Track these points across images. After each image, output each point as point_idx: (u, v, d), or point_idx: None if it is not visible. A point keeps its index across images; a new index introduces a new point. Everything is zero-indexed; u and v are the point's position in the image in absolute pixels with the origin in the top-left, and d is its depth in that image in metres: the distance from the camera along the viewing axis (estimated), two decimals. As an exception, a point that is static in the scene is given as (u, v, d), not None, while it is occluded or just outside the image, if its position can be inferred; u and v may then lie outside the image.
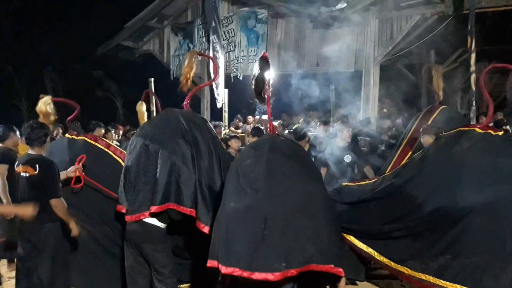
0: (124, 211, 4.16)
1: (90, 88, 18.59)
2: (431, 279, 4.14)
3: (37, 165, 4.13)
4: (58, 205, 4.15)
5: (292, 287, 3.50)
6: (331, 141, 6.72)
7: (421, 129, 5.76)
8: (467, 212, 3.99)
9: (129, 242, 4.22)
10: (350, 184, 5.19)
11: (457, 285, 3.97)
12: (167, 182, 4.00)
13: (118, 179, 4.64)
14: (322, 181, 3.83)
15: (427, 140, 5.41)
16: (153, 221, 4.08)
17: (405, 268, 4.31)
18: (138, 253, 4.19)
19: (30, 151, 4.28)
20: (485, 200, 3.95)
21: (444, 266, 4.08)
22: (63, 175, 4.57)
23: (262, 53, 4.06)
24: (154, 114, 6.13)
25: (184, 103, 4.65)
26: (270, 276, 3.21)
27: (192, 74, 4.66)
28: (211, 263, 3.43)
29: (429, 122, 6.06)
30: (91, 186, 4.81)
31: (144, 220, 4.06)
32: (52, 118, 4.83)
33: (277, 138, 3.88)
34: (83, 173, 4.69)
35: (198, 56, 4.87)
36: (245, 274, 3.22)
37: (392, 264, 4.42)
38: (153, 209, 3.97)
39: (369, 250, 4.59)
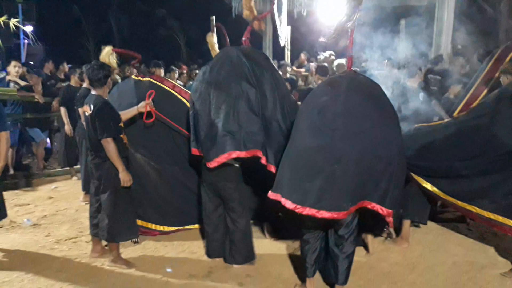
0: (199, 153, 4.15)
1: (154, 27, 18.74)
2: (500, 218, 4.13)
3: (91, 105, 4.22)
4: (107, 145, 4.18)
5: (352, 219, 3.53)
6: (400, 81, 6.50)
7: (500, 68, 5.36)
8: None
9: (205, 182, 4.34)
10: (423, 125, 5.02)
11: None
12: (234, 129, 3.95)
13: (184, 118, 4.77)
14: (398, 124, 3.73)
15: (505, 80, 5.05)
16: (229, 160, 4.10)
17: (473, 206, 4.30)
18: (214, 193, 4.31)
19: (92, 91, 4.36)
20: None
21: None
22: (134, 110, 4.68)
23: None
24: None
25: (243, 38, 4.55)
26: (337, 215, 3.27)
27: (251, 3, 4.52)
28: (274, 195, 3.49)
29: (506, 61, 5.62)
30: (162, 121, 4.89)
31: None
32: (115, 68, 4.90)
33: (355, 75, 3.74)
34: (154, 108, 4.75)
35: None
36: (311, 212, 3.28)
37: (459, 202, 4.40)
38: (235, 154, 3.94)
39: (434, 189, 4.55)
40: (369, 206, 3.42)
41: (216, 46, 5.55)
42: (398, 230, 4.99)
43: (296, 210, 3.32)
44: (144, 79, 5.17)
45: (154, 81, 5.14)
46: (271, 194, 3.51)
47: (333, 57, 9.75)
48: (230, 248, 4.37)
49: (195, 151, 4.16)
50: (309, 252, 3.73)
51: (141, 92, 4.90)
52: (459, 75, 7.82)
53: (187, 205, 5.15)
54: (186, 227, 5.22)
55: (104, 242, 4.60)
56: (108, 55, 4.74)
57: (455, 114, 5.34)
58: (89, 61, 4.60)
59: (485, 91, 5.45)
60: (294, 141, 3.53)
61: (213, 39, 5.56)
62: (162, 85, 5.13)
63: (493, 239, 5.02)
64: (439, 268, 4.43)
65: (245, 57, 4.24)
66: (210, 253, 4.55)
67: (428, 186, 4.57)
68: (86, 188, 6.12)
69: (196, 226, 5.22)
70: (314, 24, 11.18)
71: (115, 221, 4.31)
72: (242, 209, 4.33)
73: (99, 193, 4.37)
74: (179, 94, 5.14)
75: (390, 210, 3.43)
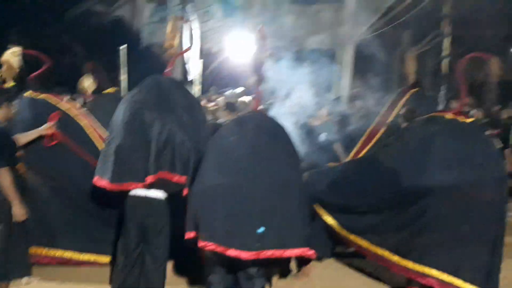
0: (103, 183, 3.99)
1: (57, 54, 18.00)
2: (386, 253, 4.35)
3: None
4: (0, 176, 3.96)
5: (258, 268, 3.54)
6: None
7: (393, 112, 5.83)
8: (427, 193, 4.17)
9: (131, 217, 4.15)
10: (331, 164, 5.36)
11: (409, 262, 4.18)
12: (160, 149, 3.91)
13: (80, 142, 4.70)
14: (299, 166, 3.90)
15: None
16: (154, 193, 4.05)
17: (364, 240, 4.50)
18: (139, 230, 4.13)
19: None
20: (447, 183, 4.13)
21: (400, 243, 4.29)
22: (35, 133, 4.46)
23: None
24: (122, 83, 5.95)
25: (166, 70, 4.54)
26: (243, 254, 3.30)
27: (176, 41, 4.56)
28: (188, 234, 3.56)
29: (400, 105, 6.11)
30: (65, 144, 4.69)
31: (146, 194, 4.03)
32: (16, 71, 4.64)
33: (261, 116, 3.86)
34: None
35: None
36: (219, 249, 3.33)
37: (351, 236, 4.60)
38: (149, 179, 3.89)
39: (333, 222, 4.72)
40: (293, 254, 3.50)
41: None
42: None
43: (206, 248, 3.35)
44: (39, 96, 4.89)
45: (51, 100, 4.91)
46: (186, 234, 3.56)
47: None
48: (146, 285, 4.18)
49: (98, 179, 4.00)
50: None
51: (35, 110, 4.68)
52: (356, 118, 8.33)
53: (100, 233, 4.88)
54: (102, 258, 4.89)
55: (-8, 281, 4.24)
56: (14, 55, 4.49)
57: (351, 154, 5.69)
58: None
59: (380, 133, 5.85)
60: (201, 179, 3.56)
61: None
62: (58, 104, 4.91)
63: (387, 273, 5.28)
64: (338, 302, 4.59)
65: (173, 84, 4.35)
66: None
67: (328, 219, 4.73)
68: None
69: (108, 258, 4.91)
70: (224, 60, 11.46)
71: (6, 257, 4.02)
72: (166, 248, 4.22)
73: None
74: (76, 117, 4.95)
75: (312, 250, 3.54)
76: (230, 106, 6.78)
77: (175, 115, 4.09)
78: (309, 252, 3.50)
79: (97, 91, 6.33)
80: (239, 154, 3.47)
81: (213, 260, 3.60)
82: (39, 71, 4.98)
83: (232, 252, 3.29)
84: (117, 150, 3.97)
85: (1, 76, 4.62)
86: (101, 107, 5.80)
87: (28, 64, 4.88)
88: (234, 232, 3.33)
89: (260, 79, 3.77)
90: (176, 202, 4.22)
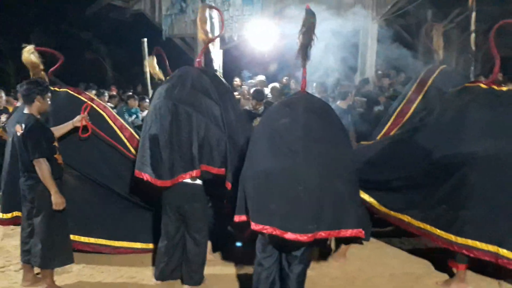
0: (144, 177, 4.07)
1: (79, 50, 18.16)
2: (428, 227, 4.28)
3: (23, 125, 4.03)
4: (39, 166, 3.99)
5: (304, 249, 3.56)
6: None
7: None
8: (464, 164, 4.09)
9: (168, 204, 4.24)
10: (363, 143, 5.39)
11: (451, 235, 4.10)
12: (201, 144, 4.04)
13: (105, 132, 4.75)
14: (351, 144, 3.89)
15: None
16: (192, 179, 4.17)
17: (405, 216, 4.45)
18: (177, 215, 4.23)
19: (25, 110, 4.16)
20: (484, 152, 4.03)
21: (440, 216, 4.21)
22: (68, 125, 4.52)
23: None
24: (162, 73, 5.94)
25: (197, 60, 4.59)
26: (302, 237, 3.29)
27: (207, 28, 4.59)
28: (238, 217, 3.59)
29: (430, 82, 6.00)
30: (97, 135, 4.72)
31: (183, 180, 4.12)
32: (41, 67, 4.66)
33: (310, 97, 3.84)
34: (90, 122, 4.60)
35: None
36: (277, 232, 3.32)
37: (392, 213, 4.56)
38: (194, 173, 4.06)
39: (371, 200, 4.70)
40: (347, 234, 3.45)
41: (157, 68, 5.51)
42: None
43: (264, 231, 3.36)
44: (60, 89, 4.91)
45: (72, 92, 4.93)
46: (236, 217, 3.59)
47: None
48: (189, 269, 4.30)
49: (145, 176, 4.06)
50: (262, 277, 3.68)
51: (56, 102, 4.65)
52: (384, 98, 8.24)
53: (137, 222, 4.93)
54: (136, 244, 4.93)
55: (36, 270, 4.33)
56: (29, 53, 4.54)
57: (381, 133, 5.62)
58: (9, 84, 4.38)
59: (411, 111, 5.77)
60: (253, 163, 3.55)
61: (154, 62, 5.52)
62: (79, 96, 4.93)
63: (425, 251, 5.25)
64: (378, 281, 4.58)
65: (204, 75, 4.34)
66: (163, 276, 4.39)
67: (365, 197, 4.70)
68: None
69: (150, 245, 4.95)
70: (245, 49, 11.40)
71: (49, 246, 4.07)
72: (206, 231, 4.34)
73: (32, 216, 4.14)
74: (98, 107, 4.96)
75: (363, 231, 3.51)
76: (258, 94, 6.75)
77: (208, 108, 4.13)
78: (361, 232, 3.48)
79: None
80: (292, 137, 3.43)
81: (265, 242, 3.60)
82: (55, 66, 4.99)
83: (290, 236, 3.28)
84: (156, 145, 4.04)
85: (33, 76, 4.66)
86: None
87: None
88: (290, 215, 3.31)
89: (305, 60, 3.71)
90: (212, 187, 4.34)
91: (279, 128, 3.51)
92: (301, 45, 3.65)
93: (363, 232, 3.50)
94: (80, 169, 4.72)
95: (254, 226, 3.39)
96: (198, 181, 4.21)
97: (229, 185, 4.06)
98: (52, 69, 4.98)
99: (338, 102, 7.02)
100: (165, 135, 4.03)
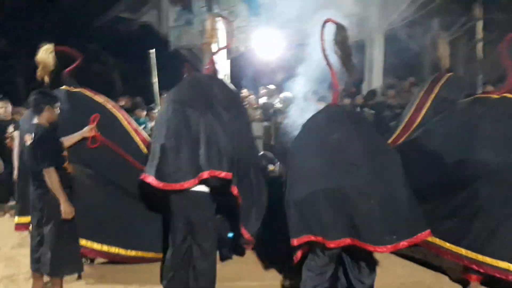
0: (149, 180, 4.03)
1: (86, 62, 18.28)
2: (437, 241, 4.24)
3: (33, 134, 4.08)
4: (49, 176, 4.02)
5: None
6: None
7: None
8: (477, 177, 4.03)
9: (175, 211, 4.19)
10: None
11: (461, 249, 4.07)
12: (209, 148, 3.98)
13: (118, 135, 4.79)
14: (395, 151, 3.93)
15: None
16: (199, 187, 4.07)
17: None
18: (185, 224, 4.16)
19: (34, 120, 4.22)
20: (497, 165, 3.97)
21: (450, 229, 4.17)
22: (77, 136, 4.54)
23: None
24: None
25: (206, 67, 4.61)
26: (382, 249, 3.38)
27: (216, 38, 4.64)
28: (307, 237, 3.51)
29: (436, 90, 5.99)
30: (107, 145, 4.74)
31: (190, 188, 4.03)
32: (51, 68, 4.70)
33: (345, 108, 3.86)
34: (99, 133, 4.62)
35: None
36: (366, 247, 3.36)
37: None
38: (205, 174, 3.94)
39: None
40: (423, 237, 3.54)
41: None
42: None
43: (342, 244, 3.41)
44: (75, 89, 4.96)
45: (87, 93, 4.97)
46: (294, 241, 3.55)
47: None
48: (196, 279, 4.19)
49: (150, 178, 4.02)
50: None
51: (71, 102, 4.74)
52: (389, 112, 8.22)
53: (147, 230, 4.89)
54: (147, 253, 4.91)
55: (45, 278, 4.35)
56: (48, 52, 4.58)
57: (389, 140, 5.60)
58: (19, 97, 4.43)
59: (419, 118, 5.76)
60: (312, 180, 3.52)
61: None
62: (94, 97, 4.98)
63: (436, 259, 5.19)
64: (388, 290, 4.53)
65: (213, 81, 4.39)
66: (171, 285, 4.29)
67: None
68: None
69: (159, 255, 4.89)
70: (252, 59, 11.45)
71: (58, 254, 4.10)
72: (215, 241, 4.30)
73: (42, 225, 4.17)
74: (114, 108, 5.03)
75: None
76: (267, 105, 6.79)
77: (216, 112, 4.12)
78: (429, 232, 3.58)
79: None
80: (351, 151, 3.45)
81: (333, 255, 3.64)
82: (73, 66, 5.01)
83: (379, 249, 3.37)
84: (164, 149, 4.02)
85: (39, 75, 4.70)
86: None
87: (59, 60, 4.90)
88: (371, 229, 3.35)
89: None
90: (219, 196, 4.31)
91: (333, 144, 3.51)
92: (341, 58, 3.66)
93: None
94: (97, 168, 4.73)
95: (330, 243, 3.41)
96: (206, 189, 4.15)
97: (235, 190, 4.04)
98: (68, 68, 5.01)
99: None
100: (173, 139, 4.03)
